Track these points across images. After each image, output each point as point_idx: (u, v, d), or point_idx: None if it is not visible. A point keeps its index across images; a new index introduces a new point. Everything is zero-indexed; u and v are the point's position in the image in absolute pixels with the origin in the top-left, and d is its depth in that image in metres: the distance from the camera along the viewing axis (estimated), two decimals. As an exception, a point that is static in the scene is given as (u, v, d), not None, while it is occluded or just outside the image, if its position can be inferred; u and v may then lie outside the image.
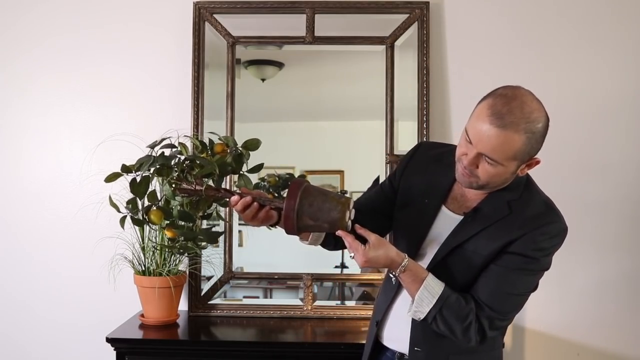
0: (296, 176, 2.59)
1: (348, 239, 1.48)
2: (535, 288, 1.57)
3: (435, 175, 1.63)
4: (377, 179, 2.53)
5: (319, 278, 2.56)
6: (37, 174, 2.65)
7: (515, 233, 1.49)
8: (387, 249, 1.50)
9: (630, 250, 2.55)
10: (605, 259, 2.55)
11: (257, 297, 2.62)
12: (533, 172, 1.61)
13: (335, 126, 2.64)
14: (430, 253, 1.58)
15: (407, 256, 1.51)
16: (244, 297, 2.60)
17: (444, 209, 1.60)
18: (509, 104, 1.41)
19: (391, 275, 1.61)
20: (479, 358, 1.61)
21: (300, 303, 2.53)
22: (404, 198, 1.67)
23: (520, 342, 2.57)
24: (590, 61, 2.55)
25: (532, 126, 1.41)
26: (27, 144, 2.66)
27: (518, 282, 1.51)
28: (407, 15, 2.54)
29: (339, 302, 2.59)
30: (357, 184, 2.59)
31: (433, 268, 1.54)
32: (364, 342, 2.24)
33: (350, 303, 2.57)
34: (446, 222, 1.58)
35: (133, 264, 2.38)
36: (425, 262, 1.57)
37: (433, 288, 1.50)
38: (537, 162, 1.50)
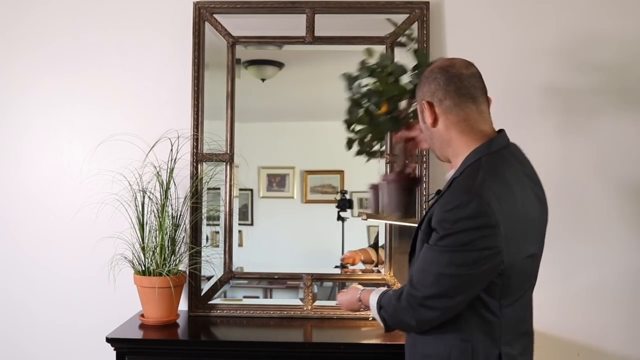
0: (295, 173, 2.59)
1: None
2: (459, 268, 1.48)
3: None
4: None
5: (319, 278, 2.56)
6: (37, 174, 2.65)
7: (433, 207, 1.56)
8: (350, 291, 1.93)
9: (631, 250, 2.54)
10: (605, 259, 2.55)
11: (257, 297, 2.62)
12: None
13: (335, 126, 2.64)
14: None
15: (361, 288, 1.90)
16: (244, 297, 2.60)
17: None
18: None
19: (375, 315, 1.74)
20: (438, 342, 1.59)
21: (300, 303, 2.53)
22: None
23: (521, 342, 2.56)
24: (591, 60, 2.54)
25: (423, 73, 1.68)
26: (27, 144, 2.66)
27: (426, 255, 1.54)
28: (407, 15, 2.54)
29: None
30: (357, 184, 2.59)
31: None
32: (363, 342, 2.26)
33: (350, 303, 2.57)
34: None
35: (133, 264, 2.38)
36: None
37: (376, 295, 1.72)
38: (425, 104, 1.63)
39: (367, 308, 1.80)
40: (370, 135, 2.11)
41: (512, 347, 1.57)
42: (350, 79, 2.13)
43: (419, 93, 1.66)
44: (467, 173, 1.54)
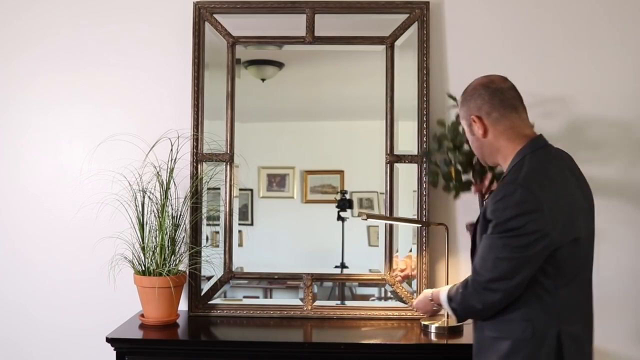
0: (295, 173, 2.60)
1: None
2: (513, 251, 1.63)
3: None
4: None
5: (319, 278, 2.55)
6: (37, 173, 2.65)
7: (486, 203, 1.74)
8: (422, 295, 2.09)
9: (631, 251, 2.55)
10: (605, 258, 2.54)
11: (257, 297, 2.62)
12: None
13: (335, 126, 2.64)
14: None
15: (431, 289, 2.05)
16: (244, 297, 2.60)
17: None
18: None
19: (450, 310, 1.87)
20: (502, 324, 1.72)
21: (300, 303, 2.53)
22: None
23: (520, 342, 2.56)
24: (590, 60, 2.55)
25: (464, 91, 1.85)
26: (27, 144, 2.66)
27: (485, 243, 1.70)
28: (407, 15, 2.54)
29: (339, 302, 2.58)
30: (357, 184, 2.59)
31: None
32: (363, 342, 2.26)
33: (350, 303, 2.57)
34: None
35: (133, 264, 2.38)
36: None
37: (445, 290, 1.88)
38: (474, 118, 1.78)
39: (439, 305, 1.95)
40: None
41: (575, 326, 1.70)
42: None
43: (465, 110, 1.82)
44: (513, 170, 1.71)
